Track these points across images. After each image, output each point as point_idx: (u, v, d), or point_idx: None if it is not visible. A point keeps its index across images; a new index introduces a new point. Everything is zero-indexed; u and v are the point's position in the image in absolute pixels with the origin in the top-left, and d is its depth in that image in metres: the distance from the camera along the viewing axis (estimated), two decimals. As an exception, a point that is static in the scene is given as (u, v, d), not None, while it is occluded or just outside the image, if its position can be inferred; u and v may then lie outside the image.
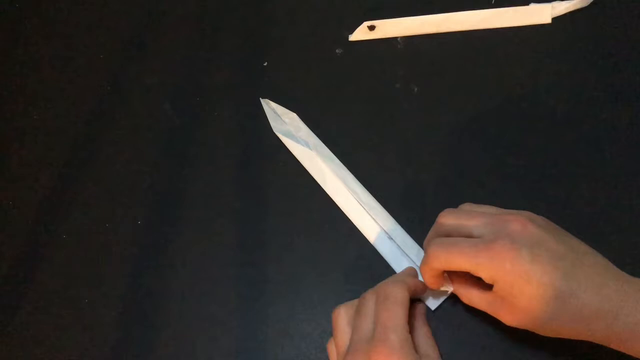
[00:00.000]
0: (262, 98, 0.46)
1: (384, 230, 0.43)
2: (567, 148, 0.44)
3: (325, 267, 0.43)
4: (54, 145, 0.50)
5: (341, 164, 0.45)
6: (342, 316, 0.36)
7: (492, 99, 0.46)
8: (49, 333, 0.44)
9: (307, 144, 0.45)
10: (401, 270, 0.41)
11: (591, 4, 0.47)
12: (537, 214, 0.36)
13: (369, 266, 0.43)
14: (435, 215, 0.41)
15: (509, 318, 0.34)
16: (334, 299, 0.42)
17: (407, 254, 0.42)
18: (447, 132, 0.46)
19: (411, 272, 0.40)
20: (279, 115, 0.46)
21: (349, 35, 0.50)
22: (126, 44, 0.54)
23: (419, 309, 0.39)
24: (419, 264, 0.41)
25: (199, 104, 0.50)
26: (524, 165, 0.44)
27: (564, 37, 0.47)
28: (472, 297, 0.37)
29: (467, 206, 0.39)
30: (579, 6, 0.47)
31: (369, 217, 0.43)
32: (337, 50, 0.50)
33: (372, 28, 0.50)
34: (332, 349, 0.37)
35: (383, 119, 0.47)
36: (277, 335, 0.42)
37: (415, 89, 0.48)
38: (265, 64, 0.51)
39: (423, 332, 0.37)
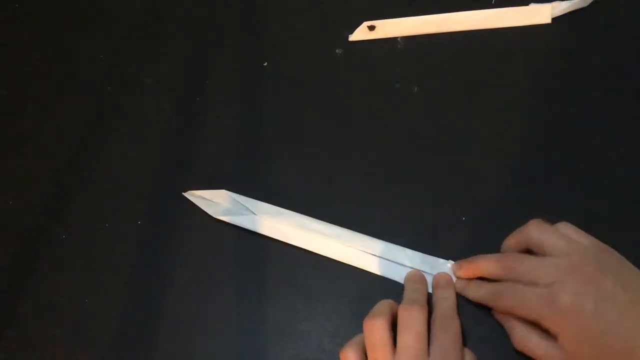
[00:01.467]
0: (184, 192, 0.46)
1: (365, 252, 0.42)
2: (566, 148, 0.44)
3: (325, 266, 0.43)
4: (53, 145, 0.50)
5: (290, 211, 0.44)
6: (352, 356, 0.36)
7: (492, 99, 0.46)
8: (48, 333, 0.44)
9: (250, 212, 0.44)
10: (399, 277, 0.41)
11: (591, 4, 0.47)
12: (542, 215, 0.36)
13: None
14: (436, 216, 0.41)
15: None
16: (334, 299, 0.42)
17: (398, 263, 0.42)
18: (447, 132, 0.46)
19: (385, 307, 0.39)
20: (209, 200, 0.45)
21: (349, 35, 0.50)
22: (126, 44, 0.54)
23: None
24: (410, 265, 0.41)
25: (199, 104, 0.50)
26: (524, 164, 0.44)
27: (564, 37, 0.47)
28: (529, 341, 0.36)
29: (563, 227, 0.37)
30: (579, 6, 0.47)
31: (344, 247, 0.43)
32: (337, 50, 0.50)
33: (372, 28, 0.50)
34: None
35: (383, 119, 0.47)
36: (277, 335, 0.42)
37: (415, 89, 0.48)
38: (265, 64, 0.51)
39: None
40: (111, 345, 0.43)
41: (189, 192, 0.46)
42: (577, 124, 0.44)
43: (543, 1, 0.48)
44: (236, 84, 0.50)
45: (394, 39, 0.49)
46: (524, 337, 0.36)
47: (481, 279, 0.39)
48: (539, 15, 0.48)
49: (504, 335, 0.38)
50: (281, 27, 0.52)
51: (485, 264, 0.38)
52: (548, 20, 0.48)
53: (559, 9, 0.47)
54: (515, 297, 0.35)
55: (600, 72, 0.46)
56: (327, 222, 0.44)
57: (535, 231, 0.37)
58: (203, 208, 0.45)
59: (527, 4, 0.48)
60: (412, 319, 0.35)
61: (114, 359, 0.43)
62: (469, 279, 0.40)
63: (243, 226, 0.44)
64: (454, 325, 0.36)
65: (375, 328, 0.36)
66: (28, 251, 0.47)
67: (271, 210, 0.44)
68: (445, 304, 0.38)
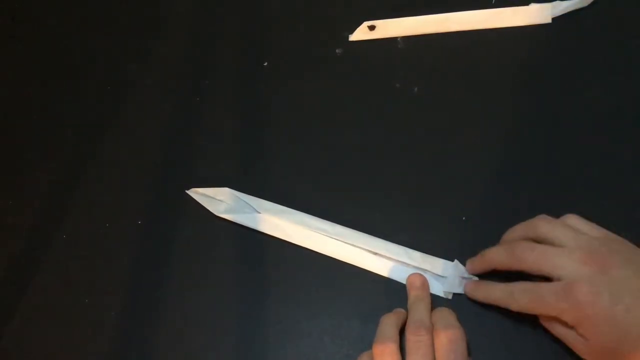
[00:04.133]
0: (187, 190, 0.46)
1: (367, 250, 0.42)
2: (567, 147, 0.44)
3: (326, 265, 0.43)
4: (53, 145, 0.50)
5: (293, 210, 0.44)
6: None
7: (492, 99, 0.46)
8: (47, 332, 0.44)
9: (252, 209, 0.44)
10: (400, 277, 0.41)
11: (591, 4, 0.47)
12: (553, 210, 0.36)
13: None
14: (436, 216, 0.41)
15: (590, 357, 0.34)
16: (335, 298, 0.42)
17: (400, 261, 0.42)
18: (447, 132, 0.46)
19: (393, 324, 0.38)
20: (212, 197, 0.45)
21: (349, 35, 0.50)
22: (126, 44, 0.54)
23: None
24: (411, 263, 0.41)
25: (199, 104, 0.50)
26: (524, 164, 0.44)
27: (564, 37, 0.47)
28: (555, 327, 0.36)
29: (571, 219, 0.38)
30: (579, 6, 0.47)
31: (345, 245, 0.43)
32: (337, 50, 0.50)
33: (372, 28, 0.50)
34: None
35: (383, 119, 0.47)
36: (277, 335, 0.42)
37: (415, 89, 0.48)
38: (265, 64, 0.51)
39: None
40: (111, 345, 0.43)
41: (192, 189, 0.46)
42: (577, 123, 0.44)
43: (543, 1, 0.48)
44: (236, 84, 0.50)
45: (394, 39, 0.49)
46: (549, 323, 0.36)
47: (488, 277, 0.39)
48: (539, 15, 0.48)
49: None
50: (281, 27, 0.52)
51: (495, 255, 0.38)
52: (548, 20, 0.48)
53: (559, 9, 0.47)
54: (532, 296, 0.35)
55: (600, 72, 0.46)
56: (328, 221, 0.44)
57: (544, 223, 0.37)
58: (205, 206, 0.45)
59: (527, 4, 0.48)
60: (420, 344, 0.35)
61: (114, 359, 0.43)
62: (478, 283, 0.40)
63: (245, 224, 0.44)
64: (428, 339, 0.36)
65: (386, 354, 0.35)
66: (28, 251, 0.47)
67: (273, 208, 0.44)
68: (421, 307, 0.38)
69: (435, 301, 0.40)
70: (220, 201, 0.45)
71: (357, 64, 0.49)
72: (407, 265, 0.42)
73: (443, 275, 0.41)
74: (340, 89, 0.49)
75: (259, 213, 0.44)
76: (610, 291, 0.32)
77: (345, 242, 0.43)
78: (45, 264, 0.46)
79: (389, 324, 0.38)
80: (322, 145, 0.47)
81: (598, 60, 0.46)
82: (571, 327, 0.34)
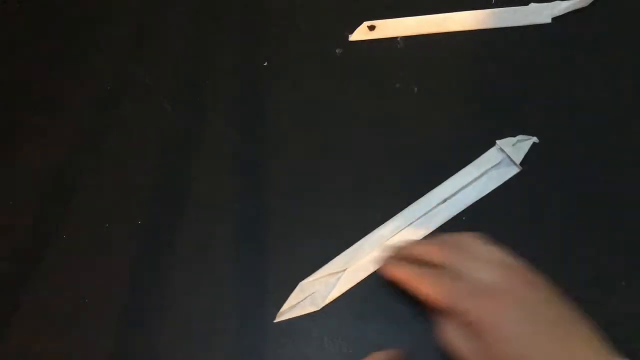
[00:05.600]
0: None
1: (436, 204, 0.43)
2: (566, 147, 0.44)
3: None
4: (53, 145, 0.50)
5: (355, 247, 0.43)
6: None
7: (492, 99, 0.46)
8: (47, 332, 0.44)
9: (335, 278, 0.42)
10: (477, 195, 0.43)
11: (591, 4, 0.47)
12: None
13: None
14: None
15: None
16: (334, 299, 0.42)
17: (464, 186, 0.43)
18: (447, 132, 0.46)
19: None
20: (300, 302, 0.42)
21: (349, 35, 0.50)
22: (126, 44, 0.54)
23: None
24: (475, 175, 0.43)
25: (199, 104, 0.50)
26: (522, 163, 0.44)
27: (564, 37, 0.47)
28: (447, 329, 0.36)
29: (487, 248, 0.37)
30: (579, 6, 0.47)
31: (421, 218, 0.43)
32: (337, 50, 0.50)
33: (372, 28, 0.50)
34: None
35: (383, 119, 0.47)
36: (277, 335, 0.42)
37: (415, 89, 0.48)
38: (265, 64, 0.51)
39: None
40: (111, 345, 0.43)
41: (279, 315, 0.42)
42: (577, 123, 0.44)
43: (543, 1, 0.48)
44: (236, 84, 0.50)
45: (394, 39, 0.49)
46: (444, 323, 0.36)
47: None
48: (539, 15, 0.48)
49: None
50: (281, 27, 0.52)
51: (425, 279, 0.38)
52: (548, 20, 0.48)
53: (559, 9, 0.47)
54: (438, 282, 0.36)
55: (600, 71, 0.46)
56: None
57: (447, 243, 0.37)
58: (305, 312, 0.42)
59: (527, 4, 0.48)
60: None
61: (114, 359, 0.43)
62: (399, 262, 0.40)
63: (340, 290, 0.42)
64: None
65: None
66: (28, 251, 0.47)
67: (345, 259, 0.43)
68: None
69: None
70: (307, 297, 0.42)
71: (357, 64, 0.49)
72: (472, 183, 0.43)
73: (498, 161, 0.43)
74: (340, 89, 0.49)
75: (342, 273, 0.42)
76: (527, 313, 0.33)
77: (415, 220, 0.43)
78: (45, 264, 0.46)
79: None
80: (321, 146, 0.47)
81: (598, 60, 0.46)
82: (466, 328, 0.34)
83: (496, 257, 0.36)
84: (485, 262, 0.35)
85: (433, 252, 0.38)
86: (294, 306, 0.42)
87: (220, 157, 0.48)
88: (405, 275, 0.38)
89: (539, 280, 0.35)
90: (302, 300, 0.42)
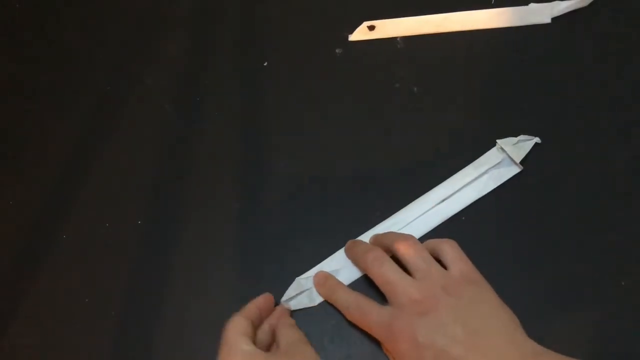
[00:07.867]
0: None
1: (436, 204, 0.43)
2: (566, 147, 0.44)
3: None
4: (53, 145, 0.50)
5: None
6: None
7: (492, 99, 0.46)
8: (47, 332, 0.44)
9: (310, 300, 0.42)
10: (476, 195, 0.43)
11: (591, 4, 0.47)
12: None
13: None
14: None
15: None
16: (334, 299, 0.42)
17: (463, 186, 0.43)
18: (447, 132, 0.46)
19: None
20: (299, 294, 0.42)
21: (349, 35, 0.50)
22: (126, 44, 0.54)
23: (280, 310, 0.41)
24: (474, 176, 0.43)
25: (199, 104, 0.50)
26: (522, 163, 0.44)
27: (564, 37, 0.47)
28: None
29: (447, 246, 0.38)
30: (579, 6, 0.47)
31: (421, 216, 0.43)
32: (337, 50, 0.50)
33: (372, 28, 0.50)
34: None
35: (383, 119, 0.47)
36: (277, 335, 0.42)
37: (415, 89, 0.48)
38: (265, 64, 0.51)
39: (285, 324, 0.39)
40: (111, 345, 0.43)
41: (282, 302, 0.42)
42: (577, 123, 0.44)
43: (543, 1, 0.48)
44: (236, 84, 0.50)
45: (394, 39, 0.49)
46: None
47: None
48: (539, 15, 0.48)
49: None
50: (281, 27, 0.52)
51: (352, 251, 0.41)
52: (548, 20, 0.48)
53: (559, 9, 0.47)
54: (362, 318, 0.38)
55: (600, 71, 0.46)
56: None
57: (405, 247, 0.38)
58: (305, 306, 0.42)
59: (527, 4, 0.48)
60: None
61: (114, 359, 0.43)
62: (327, 277, 0.41)
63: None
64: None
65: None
66: (28, 251, 0.47)
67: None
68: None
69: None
70: (304, 292, 0.42)
71: (357, 64, 0.49)
72: (471, 182, 0.43)
73: (498, 160, 0.43)
74: (340, 89, 0.49)
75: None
76: (425, 334, 0.34)
77: (417, 219, 0.43)
78: (45, 264, 0.46)
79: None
80: (320, 145, 0.47)
81: (597, 60, 0.46)
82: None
83: (413, 280, 0.36)
84: (397, 285, 0.36)
85: (359, 263, 0.40)
86: (291, 298, 0.42)
87: (220, 157, 0.48)
88: (331, 298, 0.41)
89: (455, 280, 0.36)
90: (299, 294, 0.42)
